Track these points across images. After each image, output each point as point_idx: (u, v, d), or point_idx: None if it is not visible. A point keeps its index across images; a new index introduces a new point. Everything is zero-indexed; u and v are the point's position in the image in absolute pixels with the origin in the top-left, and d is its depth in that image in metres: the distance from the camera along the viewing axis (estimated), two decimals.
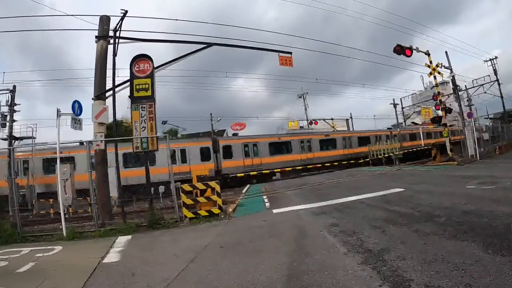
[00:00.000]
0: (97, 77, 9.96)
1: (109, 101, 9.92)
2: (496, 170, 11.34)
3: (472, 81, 27.13)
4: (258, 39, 30.61)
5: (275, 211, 8.07)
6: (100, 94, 9.79)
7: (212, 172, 19.56)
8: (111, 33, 10.01)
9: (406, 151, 25.56)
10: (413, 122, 39.72)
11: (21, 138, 17.41)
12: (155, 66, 9.49)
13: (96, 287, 3.76)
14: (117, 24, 9.85)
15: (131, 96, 9.11)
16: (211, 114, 34.24)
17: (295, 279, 3.25)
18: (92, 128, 9.68)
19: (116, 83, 9.78)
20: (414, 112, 41.10)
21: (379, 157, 25.03)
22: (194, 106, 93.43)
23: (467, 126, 18.57)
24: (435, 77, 18.66)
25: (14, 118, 16.96)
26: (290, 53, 12.80)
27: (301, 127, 37.99)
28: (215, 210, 8.08)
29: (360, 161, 26.70)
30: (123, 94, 9.87)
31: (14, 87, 16.90)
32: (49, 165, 16.91)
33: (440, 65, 18.44)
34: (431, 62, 18.20)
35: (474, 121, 21.70)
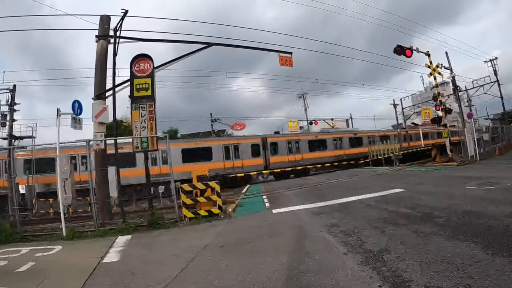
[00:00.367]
0: (97, 76, 9.95)
1: (109, 100, 9.93)
2: (496, 171, 11.33)
3: (472, 81, 27.16)
4: (258, 39, 30.57)
5: (275, 211, 8.07)
6: (100, 94, 9.78)
7: (261, 167, 22.05)
8: (111, 33, 10.01)
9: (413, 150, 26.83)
10: (413, 123, 39.72)
11: (21, 138, 17.41)
12: (155, 66, 9.49)
13: (96, 287, 3.76)
14: (117, 24, 9.85)
15: (131, 96, 9.11)
16: (211, 114, 34.35)
17: (295, 279, 3.25)
18: (92, 127, 9.69)
19: (116, 82, 9.78)
20: (414, 113, 41.11)
21: (379, 157, 25.04)
22: (194, 106, 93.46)
23: (467, 126, 18.57)
24: (435, 78, 18.68)
25: (14, 117, 16.98)
26: (290, 53, 12.80)
27: (301, 128, 38.13)
28: (215, 210, 8.08)
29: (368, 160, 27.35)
30: (123, 94, 9.87)
31: (14, 86, 16.93)
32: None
33: (440, 66, 18.45)
34: (431, 62, 18.21)
35: (474, 121, 21.71)
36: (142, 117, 8.93)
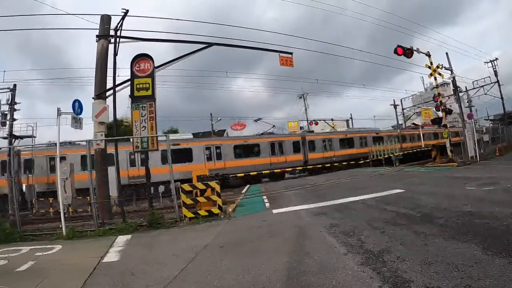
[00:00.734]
0: (98, 76, 9.95)
1: (109, 100, 9.92)
2: (496, 172, 11.33)
3: (473, 82, 27.14)
4: (258, 39, 30.67)
5: (275, 211, 8.07)
6: (100, 93, 9.78)
7: (301, 163, 24.06)
8: (112, 33, 10.00)
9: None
10: (413, 123, 39.75)
11: (21, 137, 17.40)
12: (155, 65, 9.49)
13: (96, 287, 3.75)
14: (118, 24, 9.84)
15: (131, 96, 9.11)
16: (211, 114, 34.35)
17: (295, 279, 3.24)
18: (92, 127, 9.68)
19: (117, 82, 9.77)
20: (414, 113, 41.13)
21: (379, 157, 25.06)
22: (194, 106, 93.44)
23: (467, 127, 18.56)
24: (435, 78, 18.66)
25: (14, 116, 16.97)
26: (291, 53, 12.80)
27: (301, 128, 38.20)
28: (215, 210, 8.08)
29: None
30: (124, 94, 9.87)
31: (15, 86, 16.92)
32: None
33: (440, 66, 18.43)
34: (431, 63, 18.20)
35: (474, 122, 21.70)
36: (142, 116, 8.93)
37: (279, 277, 3.35)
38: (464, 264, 3.02)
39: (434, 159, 19.79)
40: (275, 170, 22.35)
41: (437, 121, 20.87)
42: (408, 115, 37.89)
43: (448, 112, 18.72)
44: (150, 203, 9.76)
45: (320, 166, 24.77)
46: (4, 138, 16.72)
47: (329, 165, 25.26)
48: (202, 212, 8.02)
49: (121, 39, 9.92)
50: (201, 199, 8.15)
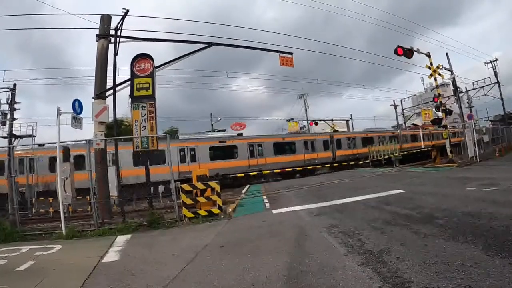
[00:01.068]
0: (98, 76, 9.94)
1: (109, 100, 9.92)
2: (496, 172, 11.33)
3: (473, 83, 27.12)
4: (258, 39, 30.77)
5: (275, 211, 8.07)
6: (100, 93, 9.77)
7: (329, 159, 26.53)
8: (112, 32, 10.00)
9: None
10: (413, 124, 39.77)
11: (21, 137, 17.39)
12: (155, 65, 9.49)
13: (95, 287, 3.75)
14: (118, 23, 9.85)
15: (131, 95, 9.12)
16: (211, 114, 34.38)
17: (295, 279, 3.24)
18: (92, 127, 9.68)
19: (117, 82, 9.77)
20: (414, 114, 41.14)
21: (379, 158, 25.07)
22: (194, 106, 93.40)
23: (467, 128, 18.57)
24: (435, 79, 18.67)
25: (14, 116, 16.95)
26: (291, 53, 12.80)
27: (302, 128, 38.31)
28: (215, 210, 8.08)
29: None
30: (124, 93, 9.87)
31: (15, 85, 16.90)
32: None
33: (440, 67, 18.44)
34: (431, 63, 18.20)
35: (474, 123, 21.69)
36: (142, 116, 8.94)
37: (279, 277, 3.35)
38: (464, 264, 3.02)
39: (434, 159, 19.80)
40: (308, 167, 24.62)
41: (437, 122, 20.87)
42: (408, 116, 37.90)
43: (448, 112, 18.72)
44: (150, 203, 9.76)
45: (345, 163, 26.80)
46: (4, 137, 16.71)
47: (353, 162, 27.18)
48: (202, 212, 8.02)
49: (121, 39, 9.93)
50: (201, 199, 8.14)
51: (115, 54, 9.89)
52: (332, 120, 37.48)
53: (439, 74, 18.46)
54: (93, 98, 9.88)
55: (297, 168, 23.94)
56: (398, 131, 32.97)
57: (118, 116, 15.60)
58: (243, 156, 22.34)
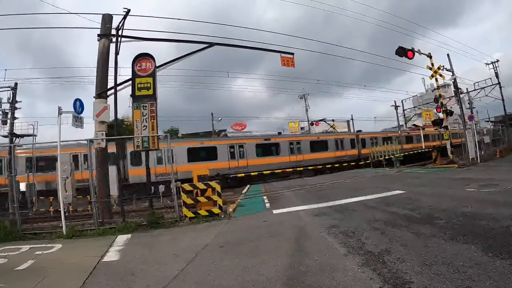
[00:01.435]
0: (99, 75, 9.94)
1: (110, 100, 9.92)
2: (496, 173, 11.32)
3: (474, 84, 27.10)
4: (259, 39, 30.79)
5: (275, 211, 8.07)
6: (101, 93, 9.77)
7: (355, 156, 28.54)
8: (113, 32, 10.00)
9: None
10: (414, 125, 39.76)
11: (22, 136, 17.41)
12: (157, 65, 9.49)
13: (96, 286, 3.75)
14: (119, 23, 9.84)
15: (132, 95, 9.11)
16: (212, 114, 34.38)
17: (295, 279, 3.24)
18: (93, 126, 9.68)
19: (118, 81, 9.77)
20: (415, 114, 41.13)
21: (380, 158, 25.07)
22: (195, 106, 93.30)
23: (468, 129, 18.54)
24: (436, 80, 18.64)
25: (15, 115, 16.97)
26: (292, 53, 12.79)
27: (302, 128, 38.35)
28: (215, 210, 8.08)
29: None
30: (125, 93, 9.86)
31: (16, 84, 16.91)
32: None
33: (441, 68, 18.41)
34: (432, 64, 18.17)
35: (475, 124, 21.66)
36: (143, 116, 8.93)
37: (279, 277, 3.35)
38: (464, 265, 3.02)
39: (435, 160, 19.77)
40: (335, 165, 26.31)
41: (437, 123, 20.84)
42: (409, 116, 37.90)
43: (449, 113, 18.69)
44: (151, 202, 9.75)
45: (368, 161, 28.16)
46: (5, 136, 16.74)
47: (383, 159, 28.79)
48: (203, 212, 8.02)
49: (123, 39, 9.92)
50: (201, 198, 8.15)
51: (116, 53, 9.88)
52: (333, 120, 37.53)
53: (440, 75, 18.43)
54: (94, 97, 9.88)
55: (327, 166, 25.68)
56: (406, 131, 33.60)
57: (119, 116, 15.58)
58: (284, 153, 24.22)
